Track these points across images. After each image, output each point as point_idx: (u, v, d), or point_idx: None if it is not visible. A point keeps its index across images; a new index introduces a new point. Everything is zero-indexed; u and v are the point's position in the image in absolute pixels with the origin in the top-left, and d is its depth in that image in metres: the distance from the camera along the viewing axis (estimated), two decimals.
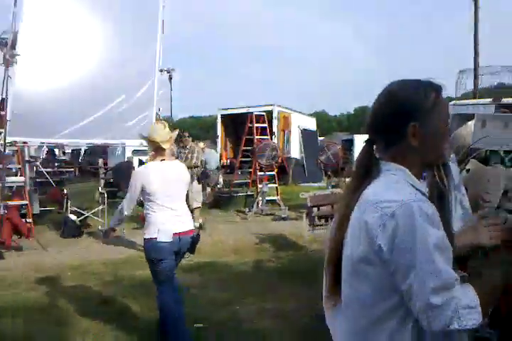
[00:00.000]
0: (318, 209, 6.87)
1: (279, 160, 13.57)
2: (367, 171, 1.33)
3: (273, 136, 15.24)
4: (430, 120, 1.30)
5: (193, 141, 8.62)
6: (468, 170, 3.48)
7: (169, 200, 3.67)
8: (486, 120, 3.32)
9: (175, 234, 3.59)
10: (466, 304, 1.18)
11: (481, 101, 6.08)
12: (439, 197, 1.33)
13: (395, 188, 1.26)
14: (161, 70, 8.30)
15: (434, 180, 1.40)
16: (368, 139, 1.37)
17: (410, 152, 1.32)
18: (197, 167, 8.45)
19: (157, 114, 9.27)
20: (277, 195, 10.96)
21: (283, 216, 9.79)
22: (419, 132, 1.29)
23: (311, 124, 20.98)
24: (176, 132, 4.00)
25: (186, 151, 8.40)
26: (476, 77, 14.33)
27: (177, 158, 8.21)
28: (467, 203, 2.52)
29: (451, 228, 1.34)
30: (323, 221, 6.84)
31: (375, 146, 1.36)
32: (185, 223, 3.75)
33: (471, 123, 3.58)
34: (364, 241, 1.24)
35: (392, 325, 1.25)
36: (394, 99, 1.33)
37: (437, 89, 1.35)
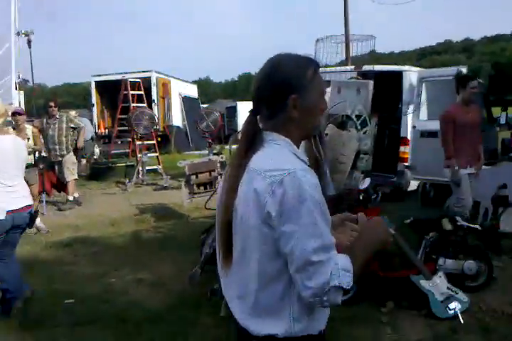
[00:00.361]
0: (197, 177, 6.85)
1: (160, 129, 13.28)
2: (252, 141, 1.39)
3: (153, 104, 14.82)
4: (309, 93, 1.39)
5: (59, 110, 8.02)
6: (326, 135, 3.69)
7: (4, 177, 3.56)
8: (340, 87, 3.52)
9: (8, 211, 3.54)
10: (342, 266, 1.27)
11: (341, 68, 6.40)
12: (316, 166, 1.43)
13: (280, 157, 1.35)
14: (18, 33, 7.54)
15: (312, 149, 1.50)
16: (251, 110, 1.42)
17: (291, 123, 1.40)
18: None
19: (21, 81, 8.50)
20: (159, 164, 10.77)
21: (164, 185, 9.67)
22: (299, 104, 1.38)
23: (193, 91, 20.72)
24: (12, 106, 3.79)
25: (55, 122, 7.85)
26: (347, 45, 15.02)
27: (41, 130, 7.66)
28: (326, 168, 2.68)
29: (326, 194, 1.41)
30: (202, 188, 6.85)
31: (258, 117, 1.41)
32: (21, 199, 3.70)
33: (328, 90, 3.77)
34: (254, 207, 1.30)
35: (280, 288, 1.32)
36: (277, 72, 1.39)
37: (316, 65, 1.44)
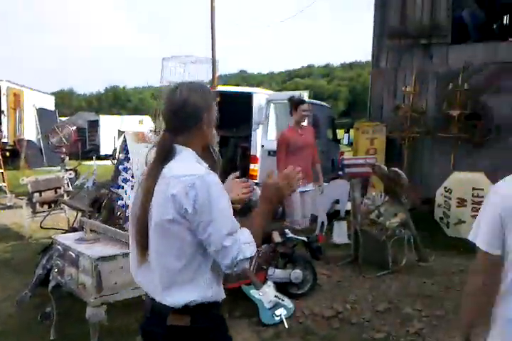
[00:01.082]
0: (41, 195, 6.54)
1: (8, 142, 12.37)
2: (166, 153, 1.74)
3: (1, 115, 13.79)
4: (211, 112, 1.81)
5: None
6: None
7: None
8: None
9: None
10: (244, 241, 1.67)
11: None
12: (214, 168, 1.80)
13: (189, 165, 1.71)
14: None
15: (211, 156, 1.89)
16: (166, 128, 1.80)
17: (198, 137, 1.80)
18: None
19: None
20: (3, 181, 10.01)
21: (8, 204, 9.02)
22: (207, 121, 1.80)
23: (49, 103, 19.63)
24: None
25: None
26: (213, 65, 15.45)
27: None
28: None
29: None
30: (46, 207, 6.54)
31: (170, 133, 1.78)
32: None
33: None
34: (172, 207, 1.64)
35: (196, 263, 1.71)
36: (191, 99, 1.76)
37: (209, 89, 1.92)
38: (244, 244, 1.68)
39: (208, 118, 1.80)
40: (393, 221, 5.16)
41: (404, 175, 5.13)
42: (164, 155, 1.75)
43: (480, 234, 1.72)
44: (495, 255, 1.68)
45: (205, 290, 1.74)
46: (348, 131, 10.25)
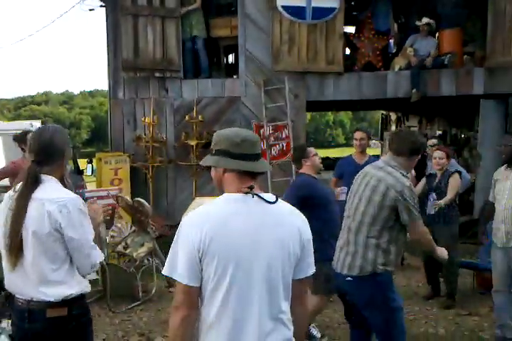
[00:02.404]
0: None
1: None
2: (34, 180, 2.18)
3: None
4: (68, 151, 2.35)
5: None
6: None
7: None
8: None
9: None
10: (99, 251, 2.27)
11: None
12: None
13: (58, 190, 2.22)
14: None
15: (63, 184, 2.35)
16: (33, 160, 2.22)
17: (58, 167, 2.29)
18: None
19: None
20: None
21: None
22: (66, 158, 2.35)
23: None
24: None
25: None
26: None
27: None
28: None
29: None
30: None
31: (37, 165, 2.22)
32: None
33: None
34: (48, 222, 2.12)
35: (67, 266, 2.21)
36: (57, 138, 2.26)
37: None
38: (99, 253, 2.27)
39: (67, 154, 2.33)
40: (140, 251, 5.18)
41: (146, 204, 5.22)
42: (32, 181, 2.19)
43: (179, 267, 1.70)
44: (195, 287, 1.70)
45: (76, 285, 2.23)
46: (90, 162, 9.94)
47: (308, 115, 33.80)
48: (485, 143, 7.81)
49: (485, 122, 7.78)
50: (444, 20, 7.83)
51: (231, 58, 9.59)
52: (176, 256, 1.71)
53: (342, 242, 3.13)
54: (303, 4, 7.22)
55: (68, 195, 2.22)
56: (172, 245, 1.74)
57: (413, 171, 6.29)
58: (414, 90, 7.40)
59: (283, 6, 7.22)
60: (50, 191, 2.18)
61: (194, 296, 1.71)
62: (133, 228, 5.44)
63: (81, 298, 2.26)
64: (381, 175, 2.95)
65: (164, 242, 6.74)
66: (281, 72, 7.48)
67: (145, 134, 7.57)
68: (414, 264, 6.23)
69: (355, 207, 3.04)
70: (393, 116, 16.19)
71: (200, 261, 1.68)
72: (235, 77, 8.12)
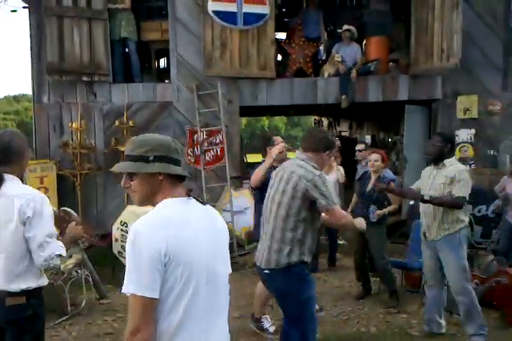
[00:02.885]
0: None
1: None
2: None
3: None
4: (28, 153, 2.67)
5: None
6: None
7: None
8: None
9: None
10: (60, 244, 2.51)
11: None
12: None
13: (22, 187, 2.54)
14: None
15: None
16: None
17: (18, 167, 2.56)
18: None
19: None
20: None
21: None
22: (26, 159, 2.62)
23: None
24: None
25: None
26: None
27: None
28: None
29: None
30: None
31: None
32: None
33: None
34: (16, 216, 2.39)
35: (27, 260, 2.46)
36: (16, 141, 2.56)
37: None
38: (59, 246, 2.47)
39: (27, 156, 2.61)
40: (68, 263, 4.93)
41: (74, 213, 4.96)
42: None
43: (144, 280, 1.57)
44: (157, 300, 1.58)
45: (37, 279, 2.50)
46: None
47: (244, 120, 33.99)
48: (410, 146, 8.16)
49: (410, 127, 8.13)
50: (370, 28, 8.14)
51: (163, 62, 9.44)
52: (139, 269, 1.57)
53: (263, 235, 3.25)
54: (234, 10, 7.24)
55: (34, 191, 2.56)
56: (130, 258, 1.60)
57: (343, 175, 6.48)
58: (343, 96, 7.61)
59: (214, 11, 7.20)
60: (17, 188, 2.49)
61: (154, 310, 1.59)
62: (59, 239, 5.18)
63: (39, 289, 2.54)
64: (293, 168, 3.12)
65: (97, 252, 6.52)
66: (213, 77, 7.45)
67: (72, 140, 7.29)
68: (346, 265, 6.37)
69: (271, 201, 3.17)
70: (325, 121, 16.62)
71: (165, 268, 1.59)
72: (166, 81, 7.99)
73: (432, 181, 4.12)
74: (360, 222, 3.47)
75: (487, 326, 4.07)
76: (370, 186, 5.15)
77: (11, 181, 2.47)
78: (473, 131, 7.83)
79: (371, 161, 5.21)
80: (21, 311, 2.45)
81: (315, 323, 3.23)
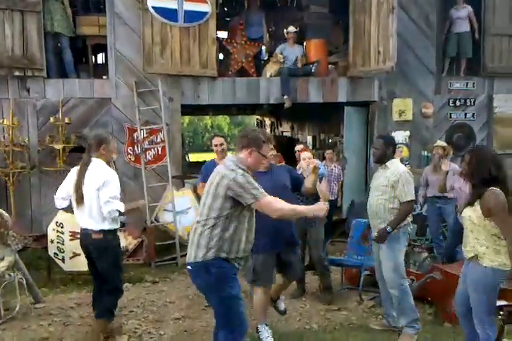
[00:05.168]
0: None
1: None
2: (86, 162, 3.92)
3: None
4: (110, 144, 4.07)
5: None
6: None
7: None
8: None
9: None
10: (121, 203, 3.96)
11: None
12: None
13: (106, 167, 3.93)
14: None
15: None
16: (85, 152, 4.05)
17: (102, 155, 4.00)
18: None
19: None
20: None
21: None
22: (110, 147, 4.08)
23: None
24: None
25: None
26: None
27: None
28: None
29: None
30: None
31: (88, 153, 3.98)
32: None
33: None
34: (100, 186, 3.81)
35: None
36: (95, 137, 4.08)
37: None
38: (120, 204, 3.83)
39: (108, 146, 3.98)
40: (0, 266, 4.69)
41: (5, 214, 4.76)
42: (85, 163, 3.89)
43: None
44: None
45: (109, 224, 3.86)
46: None
47: (187, 119, 33.61)
48: (349, 147, 8.38)
49: (349, 128, 8.36)
50: (310, 30, 8.28)
51: (100, 58, 9.16)
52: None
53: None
54: (174, 7, 7.12)
55: (111, 170, 4.02)
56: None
57: None
58: (285, 97, 7.70)
59: (154, 7, 7.05)
60: (101, 168, 3.94)
61: None
62: None
63: (111, 230, 3.91)
64: (221, 170, 3.10)
65: (32, 254, 6.24)
66: (154, 75, 7.31)
67: (4, 138, 6.92)
68: None
69: (203, 202, 3.16)
70: (268, 121, 16.76)
71: None
72: (104, 77, 7.76)
73: (376, 182, 4.26)
74: (320, 208, 3.16)
75: (420, 320, 4.21)
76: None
77: (96, 163, 3.91)
78: (407, 132, 8.16)
79: (305, 159, 5.31)
80: (101, 242, 3.88)
81: (243, 326, 3.12)
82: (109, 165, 4.04)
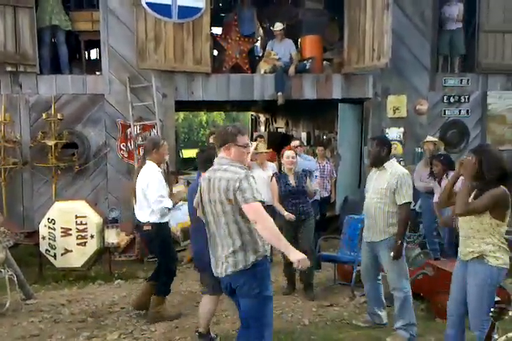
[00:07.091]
0: None
1: None
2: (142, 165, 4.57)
3: None
4: (161, 148, 4.54)
5: None
6: None
7: None
8: None
9: None
10: (169, 201, 4.54)
11: None
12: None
13: (154, 168, 4.49)
14: None
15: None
16: (143, 155, 4.79)
17: (154, 158, 4.51)
18: None
19: None
20: None
21: None
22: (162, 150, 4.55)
23: None
24: None
25: None
26: None
27: None
28: None
29: None
30: None
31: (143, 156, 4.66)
32: None
33: None
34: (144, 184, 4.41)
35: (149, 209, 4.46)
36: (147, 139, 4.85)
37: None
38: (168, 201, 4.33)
39: (159, 149, 4.44)
40: None
41: None
42: (140, 165, 4.55)
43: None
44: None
45: (157, 218, 4.39)
46: None
47: (182, 115, 33.53)
48: (343, 144, 8.37)
49: (343, 125, 8.34)
50: (305, 26, 8.25)
51: (94, 54, 9.10)
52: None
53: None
54: (168, 2, 7.07)
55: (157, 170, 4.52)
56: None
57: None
58: (279, 93, 7.67)
59: (147, 3, 7.00)
60: (147, 170, 4.47)
61: None
62: None
63: (160, 223, 4.43)
64: (220, 174, 2.93)
65: (23, 250, 6.20)
66: (147, 70, 7.27)
67: None
68: (280, 261, 6.42)
69: (211, 212, 2.99)
70: (262, 117, 16.72)
71: None
72: (98, 73, 7.71)
73: (373, 184, 4.20)
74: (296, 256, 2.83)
75: (416, 325, 4.14)
76: (291, 182, 5.26)
77: (149, 165, 4.45)
78: (402, 129, 8.14)
79: (289, 158, 5.33)
80: (150, 233, 4.46)
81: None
82: (160, 166, 4.58)
